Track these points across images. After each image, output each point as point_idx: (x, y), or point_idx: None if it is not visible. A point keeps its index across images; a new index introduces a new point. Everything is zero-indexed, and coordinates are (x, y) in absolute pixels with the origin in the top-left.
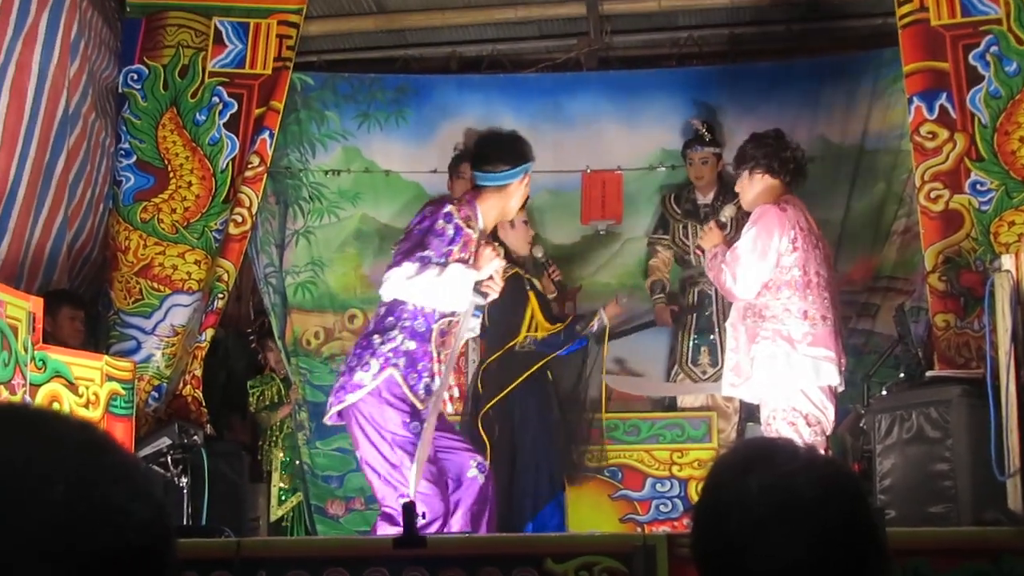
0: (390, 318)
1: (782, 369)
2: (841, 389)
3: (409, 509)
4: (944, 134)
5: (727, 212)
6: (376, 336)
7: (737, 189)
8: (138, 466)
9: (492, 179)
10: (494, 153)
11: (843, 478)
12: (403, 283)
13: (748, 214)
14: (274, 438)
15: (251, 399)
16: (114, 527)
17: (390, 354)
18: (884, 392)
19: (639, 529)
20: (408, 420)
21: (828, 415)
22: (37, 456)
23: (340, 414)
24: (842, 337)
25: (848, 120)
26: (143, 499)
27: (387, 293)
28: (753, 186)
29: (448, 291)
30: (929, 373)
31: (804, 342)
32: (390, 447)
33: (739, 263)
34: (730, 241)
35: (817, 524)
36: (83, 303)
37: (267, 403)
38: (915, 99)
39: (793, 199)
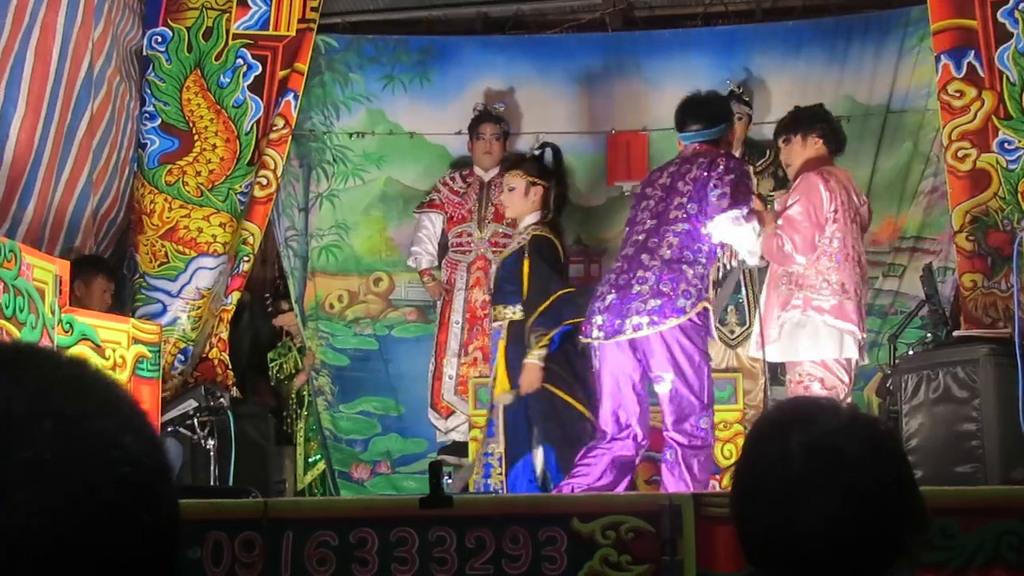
0: (697, 252)
1: (808, 337)
2: (863, 363)
3: (435, 468)
4: (972, 92)
5: (765, 186)
6: (685, 266)
7: (783, 157)
8: (129, 401)
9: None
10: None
11: (884, 437)
12: (731, 225)
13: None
14: (295, 408)
15: (271, 372)
16: (105, 460)
17: (702, 286)
18: (910, 352)
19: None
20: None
21: (844, 385)
22: (22, 393)
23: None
24: (863, 309)
25: (875, 79)
26: (135, 432)
27: (719, 233)
28: (806, 151)
29: (754, 242)
30: (956, 333)
31: (832, 313)
32: (702, 371)
33: (796, 229)
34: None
35: (857, 482)
36: (116, 276)
37: (286, 375)
38: (943, 57)
39: (837, 170)
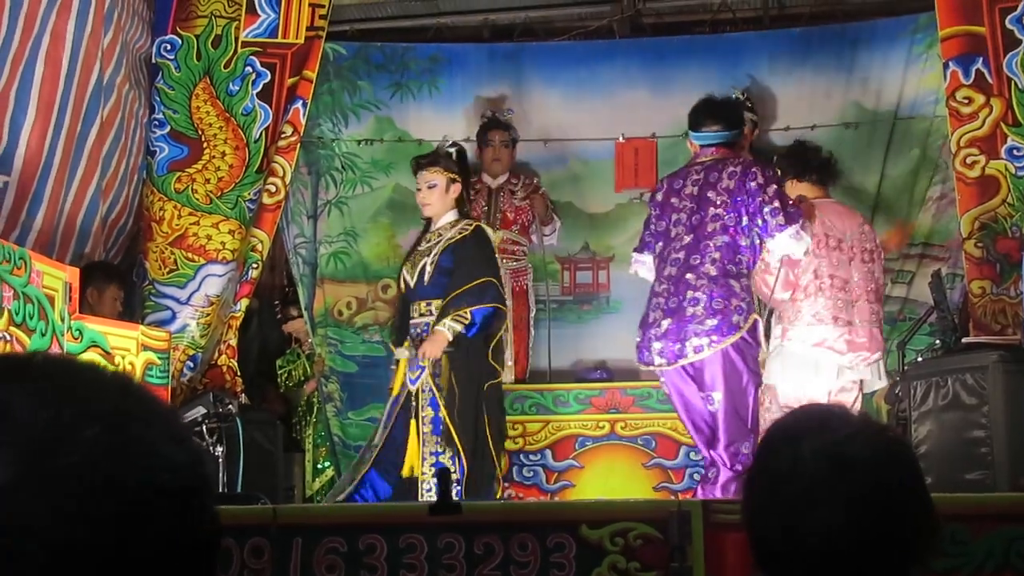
0: (739, 264)
1: (786, 364)
2: (853, 382)
3: (443, 475)
4: (980, 99)
5: None
6: (732, 281)
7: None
8: (174, 413)
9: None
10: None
11: (895, 445)
12: (792, 242)
13: None
14: (304, 414)
15: (280, 379)
16: (147, 467)
17: (750, 298)
18: (919, 359)
19: (673, 497)
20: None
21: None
22: (70, 401)
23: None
24: (874, 332)
25: (883, 86)
26: (177, 443)
27: (781, 249)
28: (792, 192)
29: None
30: (965, 339)
31: (809, 342)
32: (749, 392)
33: (768, 271)
34: None
35: (868, 489)
36: (128, 284)
37: (295, 382)
38: (951, 64)
39: (821, 203)
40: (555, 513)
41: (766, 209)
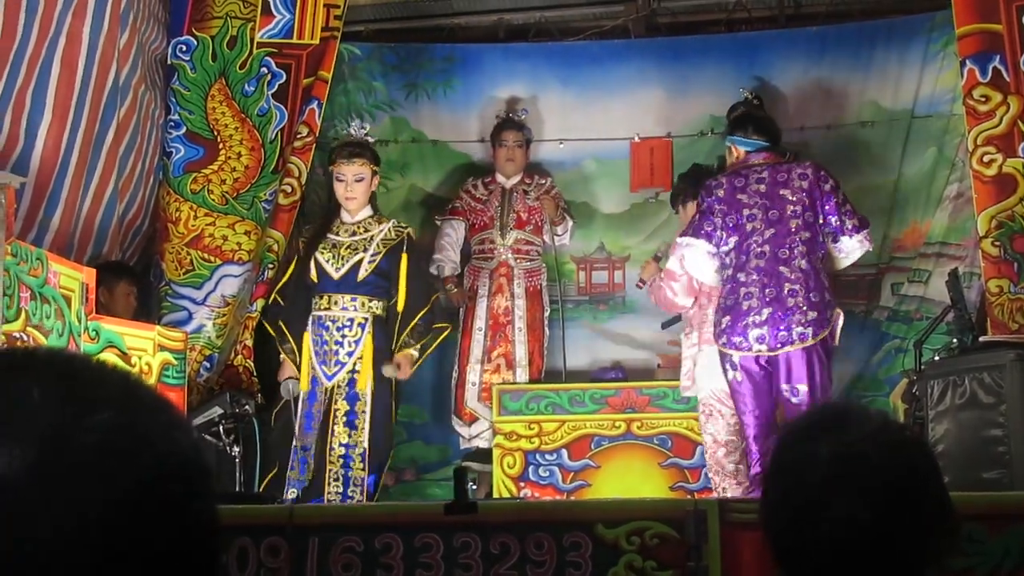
0: (820, 261)
1: (712, 369)
2: None
3: (460, 475)
4: (997, 97)
5: (661, 249)
6: (821, 276)
7: (682, 219)
8: (172, 403)
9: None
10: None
11: (912, 444)
12: (860, 246)
13: None
14: None
15: None
16: (157, 454)
17: (832, 294)
18: (936, 358)
19: (690, 497)
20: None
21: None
22: (82, 387)
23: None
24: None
25: (899, 84)
26: (182, 431)
27: (854, 254)
28: (688, 213)
29: None
30: (982, 338)
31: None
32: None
33: (675, 279)
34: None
35: (886, 488)
36: (139, 279)
37: None
38: (968, 62)
39: None
40: (571, 512)
41: (842, 210)
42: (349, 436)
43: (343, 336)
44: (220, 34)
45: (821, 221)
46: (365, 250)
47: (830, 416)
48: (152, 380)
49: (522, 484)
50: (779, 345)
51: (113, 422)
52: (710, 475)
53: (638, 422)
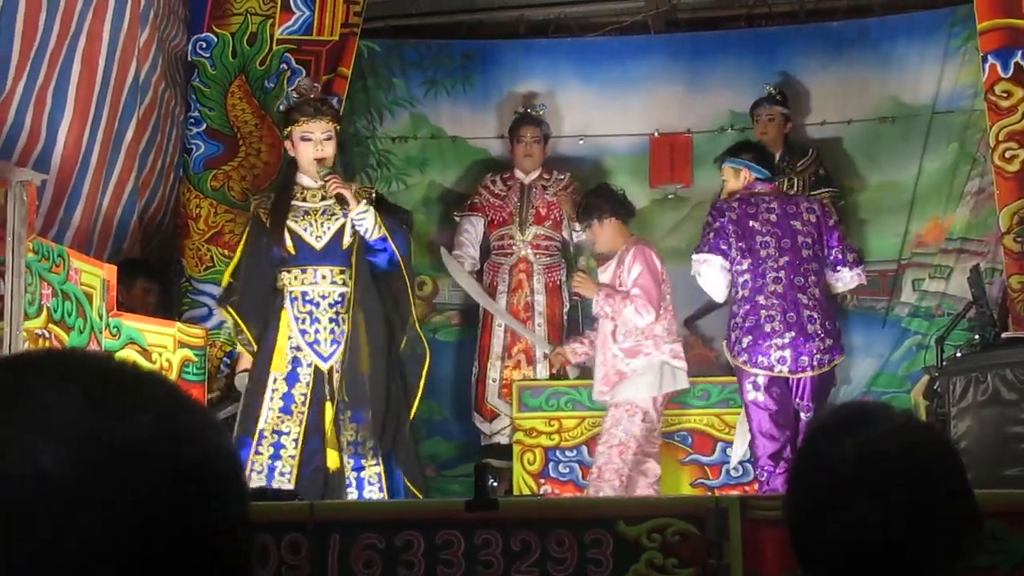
0: (827, 290)
1: (653, 377)
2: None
3: (481, 471)
4: (1019, 93)
5: (582, 262)
6: (831, 305)
7: (588, 237)
8: (203, 404)
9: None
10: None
11: (938, 441)
12: (856, 281)
13: (604, 257)
14: None
15: None
16: (199, 453)
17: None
18: (958, 354)
19: (710, 493)
20: None
21: (657, 414)
22: (122, 388)
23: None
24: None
25: (920, 79)
26: (218, 431)
27: (848, 286)
28: (605, 230)
29: None
30: (1004, 334)
31: (671, 356)
32: None
33: (649, 293)
34: (616, 281)
35: (910, 486)
36: (157, 275)
37: None
38: (990, 57)
39: (643, 239)
40: (592, 509)
41: (844, 244)
42: (281, 423)
43: (336, 313)
44: (240, 31)
45: (824, 253)
46: (345, 215)
47: (855, 415)
48: (172, 376)
49: (542, 481)
50: (799, 369)
51: (155, 424)
52: (604, 472)
53: None
